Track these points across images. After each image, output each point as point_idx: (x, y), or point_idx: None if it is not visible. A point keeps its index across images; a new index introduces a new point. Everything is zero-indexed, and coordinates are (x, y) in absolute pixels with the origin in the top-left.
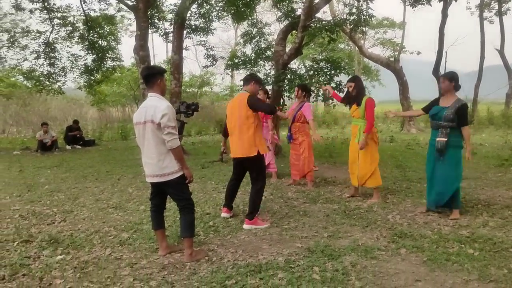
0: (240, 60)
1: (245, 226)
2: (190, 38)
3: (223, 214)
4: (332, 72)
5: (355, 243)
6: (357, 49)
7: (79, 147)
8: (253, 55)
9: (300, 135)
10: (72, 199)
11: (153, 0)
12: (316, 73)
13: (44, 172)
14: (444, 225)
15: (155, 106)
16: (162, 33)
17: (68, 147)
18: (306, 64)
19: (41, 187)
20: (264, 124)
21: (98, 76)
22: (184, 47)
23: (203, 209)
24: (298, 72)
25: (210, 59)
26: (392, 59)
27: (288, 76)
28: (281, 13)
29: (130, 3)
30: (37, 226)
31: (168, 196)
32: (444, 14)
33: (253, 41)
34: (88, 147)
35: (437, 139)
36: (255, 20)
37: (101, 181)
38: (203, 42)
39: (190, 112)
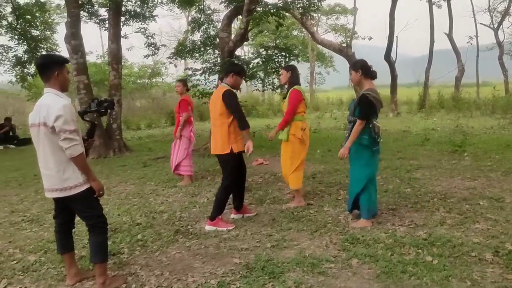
0: (186, 48)
1: (206, 227)
2: (128, 25)
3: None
4: (282, 59)
5: (301, 254)
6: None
7: (13, 146)
8: (201, 43)
9: None
10: None
11: None
12: (264, 60)
13: None
14: (399, 225)
15: (48, 105)
16: (97, 20)
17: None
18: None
19: None
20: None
21: (32, 68)
22: (122, 35)
23: (134, 218)
24: (244, 59)
25: (152, 47)
26: (344, 45)
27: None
28: None
29: None
30: None
31: None
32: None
33: (202, 28)
34: (23, 146)
35: (346, 135)
36: (202, 7)
37: (25, 187)
38: (142, 30)
39: (103, 110)
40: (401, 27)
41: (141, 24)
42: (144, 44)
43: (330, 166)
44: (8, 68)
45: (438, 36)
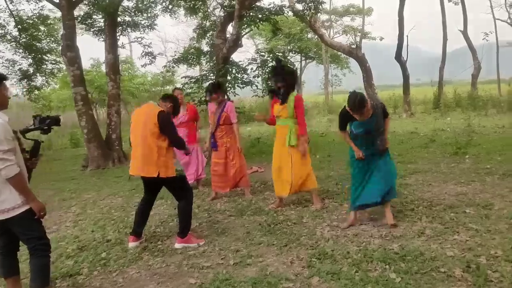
0: (183, 55)
1: (176, 245)
2: (125, 35)
3: (131, 244)
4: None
5: (262, 272)
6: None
7: None
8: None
9: (228, 139)
10: None
11: None
12: (259, 66)
13: None
14: (375, 237)
15: None
16: (95, 31)
17: None
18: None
19: None
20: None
21: (38, 81)
22: (120, 45)
23: (106, 234)
24: (242, 65)
25: (148, 56)
26: (354, 46)
27: (232, 70)
28: (217, 3)
29: (56, 0)
30: None
31: None
32: None
33: (207, 35)
34: None
35: (375, 147)
36: (207, 13)
37: None
38: (139, 39)
39: (46, 127)
40: (413, 25)
41: (141, 33)
42: (141, 53)
43: (324, 172)
44: (15, 81)
45: (454, 33)
